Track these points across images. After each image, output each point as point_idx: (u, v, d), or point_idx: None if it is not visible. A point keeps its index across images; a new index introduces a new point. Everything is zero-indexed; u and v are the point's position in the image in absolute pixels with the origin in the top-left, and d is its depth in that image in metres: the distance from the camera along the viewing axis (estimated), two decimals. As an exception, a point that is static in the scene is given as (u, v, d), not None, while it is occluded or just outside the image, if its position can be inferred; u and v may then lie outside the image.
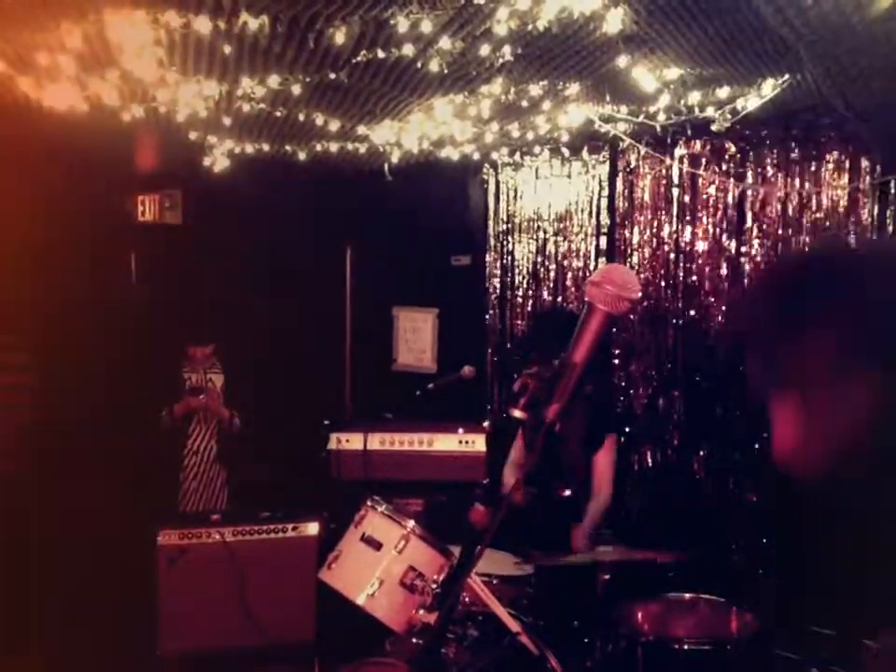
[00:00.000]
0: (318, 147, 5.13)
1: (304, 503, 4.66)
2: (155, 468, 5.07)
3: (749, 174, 4.90)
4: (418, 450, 5.02)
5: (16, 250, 4.75)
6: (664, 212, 5.20)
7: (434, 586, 3.02)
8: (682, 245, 5.15)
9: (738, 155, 4.93)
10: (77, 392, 5.14)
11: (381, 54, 3.48)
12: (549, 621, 3.20)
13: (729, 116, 4.09)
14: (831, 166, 4.67)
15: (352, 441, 5.00)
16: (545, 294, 5.75)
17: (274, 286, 5.75)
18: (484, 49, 3.43)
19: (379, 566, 3.03)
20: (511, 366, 5.76)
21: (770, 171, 4.84)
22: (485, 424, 5.16)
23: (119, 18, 3.17)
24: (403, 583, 3.01)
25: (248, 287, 5.72)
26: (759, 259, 4.90)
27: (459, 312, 6.06)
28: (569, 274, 5.65)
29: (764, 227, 4.88)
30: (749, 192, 4.92)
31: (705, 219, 5.07)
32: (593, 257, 5.53)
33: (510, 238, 5.88)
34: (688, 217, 5.12)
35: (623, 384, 5.34)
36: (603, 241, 5.46)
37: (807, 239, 4.75)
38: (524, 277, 5.84)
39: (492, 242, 5.96)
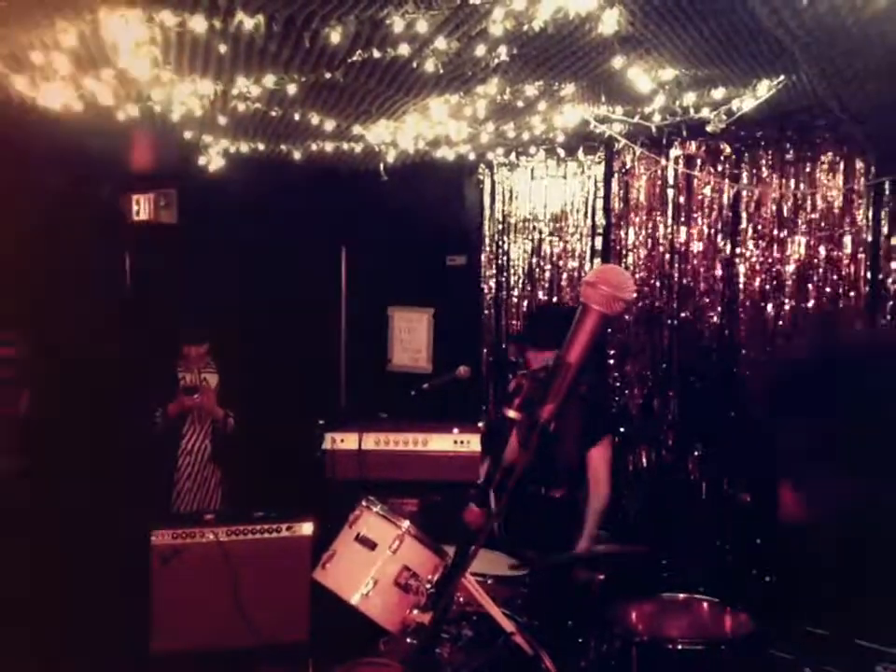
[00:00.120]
0: (314, 147, 5.13)
1: (298, 503, 4.65)
2: (149, 467, 5.06)
3: (744, 174, 4.91)
4: (413, 450, 5.02)
5: (10, 249, 4.74)
6: (659, 212, 5.21)
7: (428, 586, 3.02)
8: (677, 245, 5.15)
9: (733, 156, 4.94)
10: (70, 390, 5.13)
11: (376, 54, 3.47)
12: (543, 621, 3.20)
13: (724, 117, 4.09)
14: (825, 167, 4.68)
15: (347, 441, 4.99)
16: (540, 294, 5.76)
17: (269, 285, 5.75)
18: (480, 50, 3.43)
19: (373, 566, 3.03)
20: (506, 363, 5.77)
21: (765, 172, 4.86)
22: (480, 424, 5.16)
23: (115, 16, 3.16)
24: (398, 583, 3.00)
25: (243, 287, 5.71)
26: (753, 259, 4.91)
27: (454, 312, 6.06)
28: (564, 275, 5.66)
29: (759, 228, 4.89)
30: (744, 193, 4.93)
31: (700, 220, 5.08)
32: (588, 257, 5.53)
33: (505, 238, 5.89)
34: (683, 218, 5.13)
35: (619, 384, 5.35)
36: (598, 241, 5.47)
37: (802, 240, 4.76)
38: (519, 277, 5.85)
39: (487, 242, 5.96)
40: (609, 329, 5.27)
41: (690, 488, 5.06)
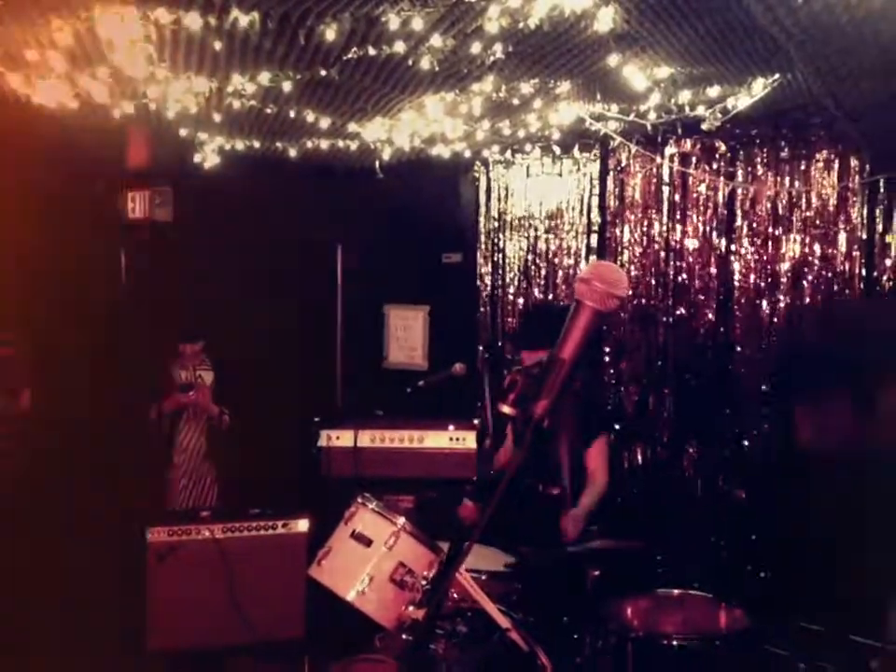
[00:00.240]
0: (309, 144, 5.13)
1: (294, 500, 4.65)
2: (144, 464, 5.06)
3: (740, 172, 4.92)
4: (409, 447, 5.02)
5: (4, 247, 4.73)
6: (654, 210, 5.22)
7: (424, 583, 3.02)
8: (673, 243, 5.16)
9: (728, 154, 4.95)
10: (65, 388, 5.12)
11: (372, 51, 3.47)
12: (538, 617, 3.20)
13: (719, 115, 4.10)
14: (820, 165, 4.69)
15: (342, 438, 4.99)
16: (536, 292, 5.76)
17: (265, 282, 5.74)
18: (476, 47, 3.43)
19: (369, 562, 3.03)
20: (502, 362, 5.77)
21: (760, 169, 4.86)
22: (476, 421, 5.16)
23: (110, 14, 3.16)
24: (393, 580, 3.00)
25: (239, 284, 5.70)
26: (749, 257, 4.92)
27: (450, 309, 6.07)
28: (560, 272, 5.66)
29: (754, 225, 4.90)
30: (740, 191, 4.94)
31: (695, 218, 5.08)
32: (583, 255, 5.54)
33: (501, 236, 5.89)
34: (678, 216, 5.13)
35: (614, 381, 5.35)
36: (594, 239, 5.48)
37: (797, 238, 4.77)
38: (515, 275, 5.85)
39: (483, 239, 5.96)
40: (605, 327, 5.27)
41: (685, 485, 5.08)
